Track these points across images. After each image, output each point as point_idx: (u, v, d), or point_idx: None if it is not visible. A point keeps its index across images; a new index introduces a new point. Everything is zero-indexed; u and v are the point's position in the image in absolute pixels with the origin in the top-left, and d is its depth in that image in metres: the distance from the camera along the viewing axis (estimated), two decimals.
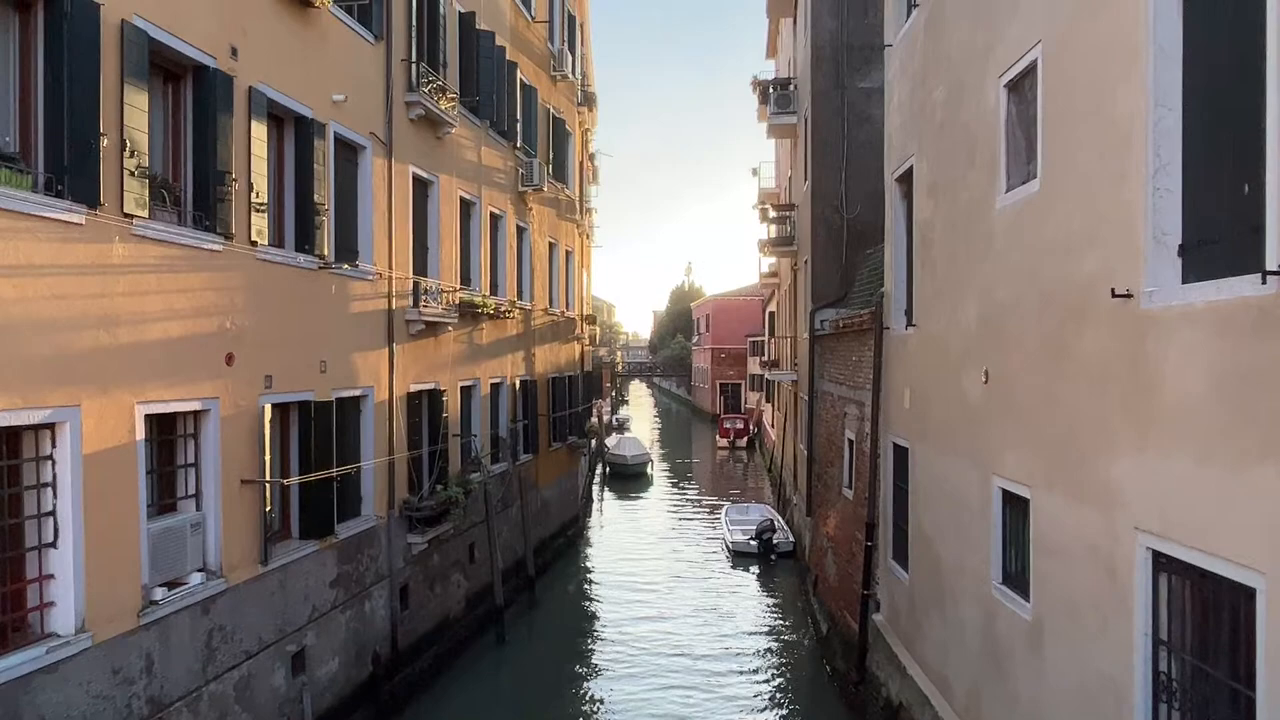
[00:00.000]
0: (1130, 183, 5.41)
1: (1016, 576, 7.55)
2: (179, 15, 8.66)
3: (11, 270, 6.81)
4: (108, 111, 7.67)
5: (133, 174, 7.94)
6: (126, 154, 7.87)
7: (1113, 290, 5.52)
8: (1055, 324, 6.58)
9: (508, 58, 18.40)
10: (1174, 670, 5.20)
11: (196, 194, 9.15)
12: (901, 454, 11.32)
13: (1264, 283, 4.16)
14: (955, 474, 9.00)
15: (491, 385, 17.91)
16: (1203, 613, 4.95)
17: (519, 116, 19.41)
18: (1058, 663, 6.55)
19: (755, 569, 22.03)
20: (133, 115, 7.97)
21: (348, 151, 12.26)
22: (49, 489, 7.33)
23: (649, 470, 39.28)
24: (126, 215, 7.88)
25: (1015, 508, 7.57)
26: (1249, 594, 4.41)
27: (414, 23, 13.79)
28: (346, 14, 11.92)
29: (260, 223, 9.92)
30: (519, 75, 19.38)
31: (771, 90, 23.11)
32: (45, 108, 7.26)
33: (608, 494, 34.29)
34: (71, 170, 7.28)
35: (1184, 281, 5.08)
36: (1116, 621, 5.62)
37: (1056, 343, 6.55)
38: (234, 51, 9.50)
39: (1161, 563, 5.23)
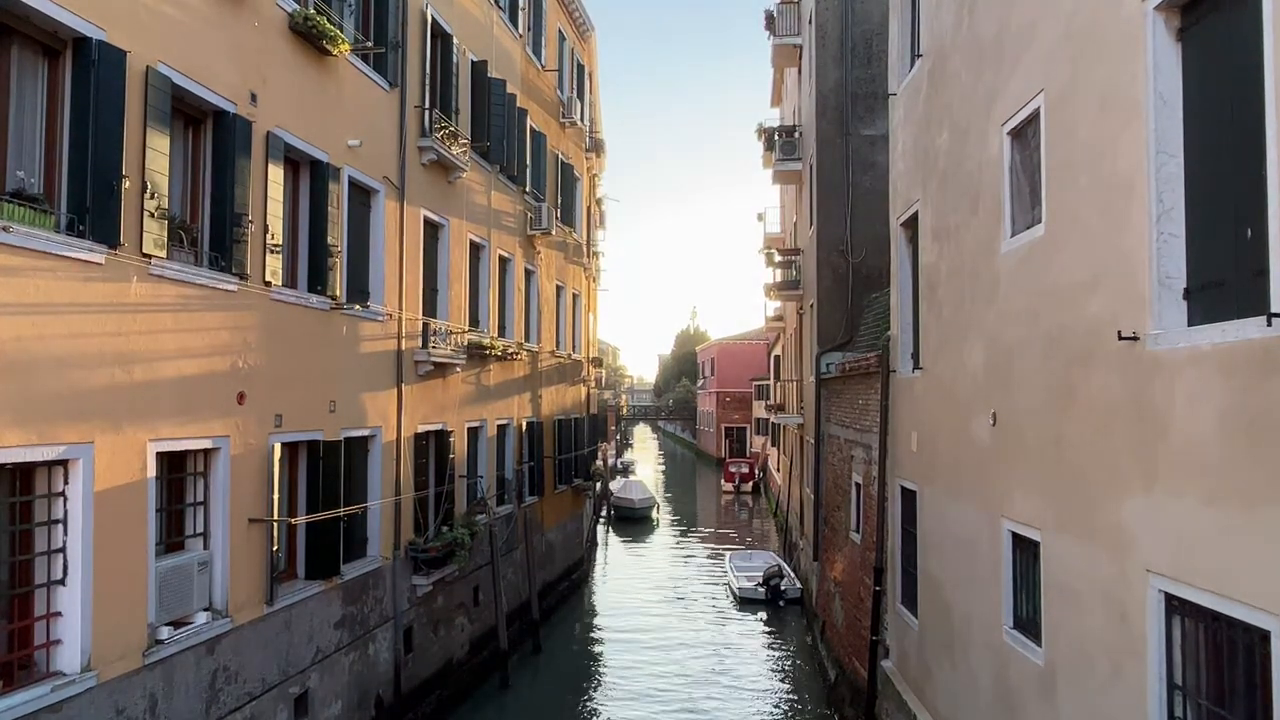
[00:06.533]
0: (1134, 228, 5.50)
1: (1028, 621, 7.48)
2: (202, 63, 8.89)
3: (31, 308, 6.91)
4: (130, 154, 7.84)
5: (152, 215, 8.09)
6: (147, 195, 8.03)
7: (1119, 333, 5.58)
8: (1062, 366, 6.62)
9: (518, 105, 18.76)
10: (1189, 716, 5.14)
11: (213, 235, 9.31)
12: (909, 497, 11.28)
13: (1269, 325, 4.22)
14: (964, 517, 8.97)
15: (498, 426, 17.94)
16: (1217, 656, 4.91)
17: (528, 162, 19.73)
18: (1071, 709, 6.47)
19: (762, 615, 21.80)
20: (154, 158, 8.15)
21: (361, 195, 12.47)
22: (59, 526, 7.35)
23: (654, 514, 39.06)
24: (145, 255, 8.01)
25: (1025, 551, 7.53)
26: (1263, 636, 4.39)
27: (428, 71, 14.12)
28: (363, 62, 12.22)
29: (275, 263, 10.07)
30: (529, 122, 19.74)
31: (777, 137, 23.52)
32: (69, 150, 7.42)
33: (612, 537, 34.06)
34: (93, 211, 7.43)
35: (1190, 324, 5.14)
36: (1130, 666, 5.57)
37: (1064, 385, 6.59)
38: (254, 98, 9.73)
39: (1174, 605, 5.20)
